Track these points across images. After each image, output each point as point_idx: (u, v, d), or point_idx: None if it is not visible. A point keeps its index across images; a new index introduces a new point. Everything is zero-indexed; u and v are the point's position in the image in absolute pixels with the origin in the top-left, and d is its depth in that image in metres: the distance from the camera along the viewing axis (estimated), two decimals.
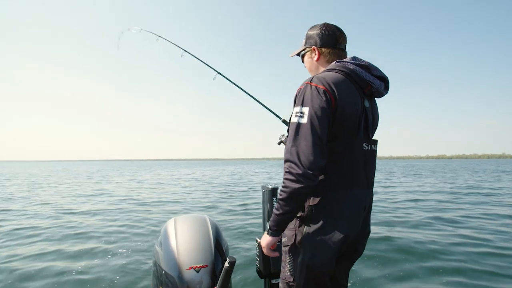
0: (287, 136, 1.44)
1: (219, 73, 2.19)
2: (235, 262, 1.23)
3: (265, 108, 1.97)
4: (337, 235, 1.17)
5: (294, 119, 1.15)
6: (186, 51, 2.30)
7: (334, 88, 1.14)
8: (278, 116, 1.84)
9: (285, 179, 1.11)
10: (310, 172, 1.08)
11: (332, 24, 1.35)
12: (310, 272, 1.18)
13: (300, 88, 1.19)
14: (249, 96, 2.02)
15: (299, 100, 1.16)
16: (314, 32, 1.35)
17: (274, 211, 1.17)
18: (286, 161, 1.13)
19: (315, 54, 1.35)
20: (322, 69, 1.34)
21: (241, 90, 2.05)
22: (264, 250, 1.26)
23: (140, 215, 6.52)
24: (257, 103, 2.00)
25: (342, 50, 1.35)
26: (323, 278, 1.21)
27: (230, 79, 2.11)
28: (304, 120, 1.12)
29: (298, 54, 1.45)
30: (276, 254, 1.29)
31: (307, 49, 1.38)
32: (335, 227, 1.17)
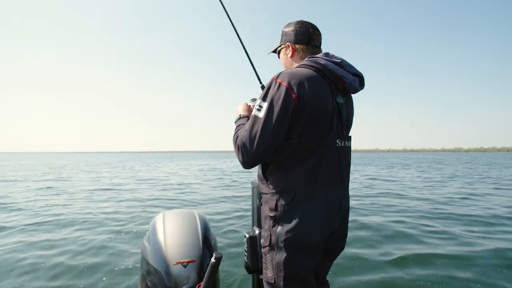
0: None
1: None
2: (221, 257, 1.23)
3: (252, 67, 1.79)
4: (311, 234, 1.17)
5: (254, 111, 1.19)
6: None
7: (299, 85, 1.14)
8: (259, 80, 1.75)
9: (237, 149, 1.21)
10: (246, 163, 1.20)
11: (307, 22, 1.37)
12: (287, 272, 1.17)
13: (268, 83, 1.21)
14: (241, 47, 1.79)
15: (263, 93, 1.20)
16: (289, 29, 1.38)
17: (238, 126, 1.33)
18: (236, 141, 1.22)
19: (289, 50, 1.37)
20: (296, 65, 1.35)
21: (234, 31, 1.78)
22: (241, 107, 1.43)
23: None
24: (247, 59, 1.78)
25: (316, 47, 1.37)
26: (303, 277, 1.20)
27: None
28: (261, 115, 1.16)
29: (274, 51, 1.48)
30: None
31: (282, 46, 1.41)
32: (309, 226, 1.16)
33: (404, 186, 11.09)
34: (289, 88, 1.13)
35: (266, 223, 1.23)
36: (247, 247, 1.73)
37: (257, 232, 1.76)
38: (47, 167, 23.91)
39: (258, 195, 1.81)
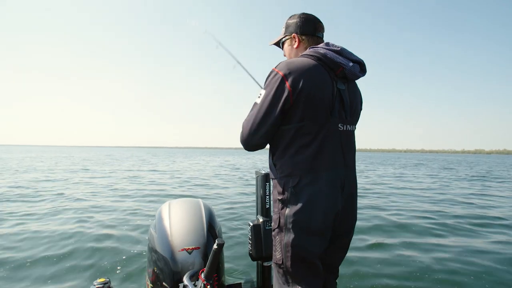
0: None
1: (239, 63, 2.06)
2: (223, 244, 1.26)
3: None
4: (317, 215, 1.21)
5: (256, 99, 1.30)
6: (239, 63, 2.06)
7: (295, 74, 1.20)
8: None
9: (240, 132, 1.33)
10: (244, 144, 1.31)
11: (310, 14, 1.42)
12: (295, 253, 1.21)
13: None
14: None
15: (264, 82, 1.29)
16: (294, 20, 1.41)
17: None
18: (243, 122, 1.31)
19: (295, 41, 1.41)
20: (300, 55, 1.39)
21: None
22: None
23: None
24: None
25: (320, 38, 1.41)
26: (310, 259, 1.23)
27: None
28: (258, 101, 1.26)
29: (277, 43, 1.50)
30: None
31: (287, 37, 1.44)
32: (315, 207, 1.20)
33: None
34: (284, 77, 1.21)
35: (276, 206, 1.28)
36: (251, 235, 1.77)
37: (261, 220, 1.79)
38: (79, 160, 24.48)
39: (262, 185, 1.84)
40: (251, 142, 1.29)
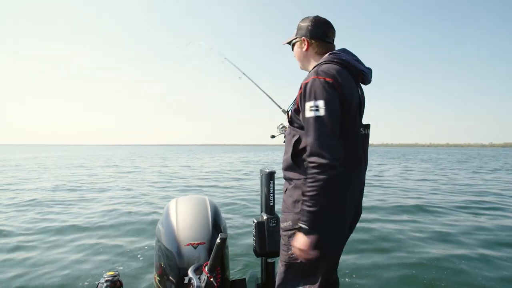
0: (285, 127, 1.67)
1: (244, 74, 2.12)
2: (226, 238, 1.30)
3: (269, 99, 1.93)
4: (347, 214, 1.29)
5: (310, 114, 1.18)
6: (245, 74, 2.10)
7: (339, 80, 1.20)
8: (279, 106, 1.82)
9: (314, 173, 1.14)
10: (336, 162, 1.13)
11: (322, 18, 1.41)
12: (326, 251, 1.24)
13: (306, 83, 1.22)
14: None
15: (310, 94, 1.19)
16: (305, 24, 1.40)
17: (307, 208, 1.15)
18: (311, 155, 1.16)
19: (305, 44, 1.40)
20: (311, 59, 1.41)
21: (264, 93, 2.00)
22: (304, 255, 1.19)
23: None
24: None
25: (330, 44, 1.41)
26: (337, 256, 1.32)
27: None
28: (321, 113, 1.15)
29: (289, 43, 1.49)
30: (314, 255, 1.19)
31: (297, 39, 1.43)
32: (344, 208, 1.27)
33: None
34: (335, 83, 1.18)
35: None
36: (255, 232, 1.81)
37: (265, 217, 1.83)
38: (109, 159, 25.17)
39: (266, 183, 1.87)
40: (338, 155, 1.15)
